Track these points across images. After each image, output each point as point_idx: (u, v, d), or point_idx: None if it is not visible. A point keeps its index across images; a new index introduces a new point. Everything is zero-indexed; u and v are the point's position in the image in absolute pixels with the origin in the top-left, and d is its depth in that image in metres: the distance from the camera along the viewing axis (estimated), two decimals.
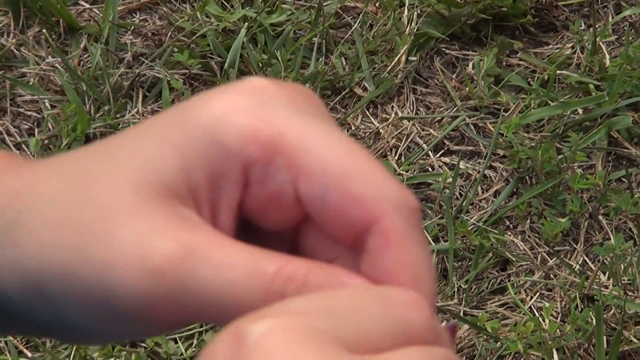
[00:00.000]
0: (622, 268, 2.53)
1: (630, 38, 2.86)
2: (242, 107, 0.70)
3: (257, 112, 0.70)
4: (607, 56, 2.83)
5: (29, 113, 2.84)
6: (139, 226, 0.70)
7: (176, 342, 2.50)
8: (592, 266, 2.58)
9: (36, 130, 2.79)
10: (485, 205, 2.68)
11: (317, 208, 0.70)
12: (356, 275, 0.69)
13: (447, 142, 2.77)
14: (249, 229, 0.73)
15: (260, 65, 2.81)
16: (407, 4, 2.93)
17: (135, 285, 0.69)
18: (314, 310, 0.63)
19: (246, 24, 2.92)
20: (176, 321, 0.71)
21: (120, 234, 0.69)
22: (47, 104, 2.84)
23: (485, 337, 2.41)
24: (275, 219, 0.72)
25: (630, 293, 2.50)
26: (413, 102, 2.84)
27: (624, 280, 2.53)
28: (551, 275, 2.58)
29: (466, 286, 2.54)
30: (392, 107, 2.83)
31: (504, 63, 2.87)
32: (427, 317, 0.66)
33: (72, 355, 2.45)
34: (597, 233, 2.64)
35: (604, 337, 2.42)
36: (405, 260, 0.69)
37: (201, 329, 2.49)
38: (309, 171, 0.69)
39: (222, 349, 0.61)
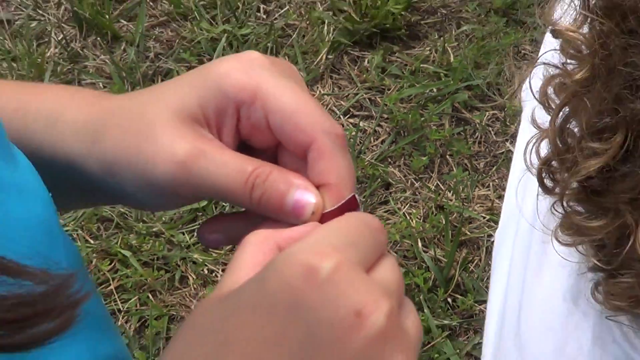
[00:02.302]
0: (461, 188, 2.56)
1: (466, 44, 2.86)
2: (237, 69, 0.72)
3: (246, 72, 0.71)
4: (452, 55, 2.82)
5: None
6: (172, 136, 0.71)
7: (183, 234, 2.48)
8: (442, 187, 2.59)
9: None
10: (376, 149, 2.66)
11: (279, 134, 0.71)
12: (301, 176, 0.70)
13: (352, 110, 2.75)
14: (249, 150, 0.74)
15: None
16: (326, 22, 2.89)
17: (167, 172, 0.71)
18: (347, 247, 0.63)
19: (225, 34, 2.88)
20: (192, 197, 0.72)
21: (160, 140, 0.71)
22: (100, 85, 2.79)
23: None
24: (260, 140, 0.73)
25: (465, 204, 2.54)
26: (331, 84, 2.81)
27: (462, 196, 2.56)
28: (417, 193, 2.58)
29: (365, 200, 2.54)
30: (317, 87, 2.80)
31: (387, 60, 2.85)
32: (386, 236, 0.67)
33: (119, 242, 2.48)
34: (445, 166, 2.63)
35: (450, 231, 2.46)
36: (331, 166, 0.70)
37: (199, 225, 2.47)
38: (273, 111, 0.71)
39: (297, 275, 0.60)
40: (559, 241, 0.86)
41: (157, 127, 0.72)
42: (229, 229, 0.75)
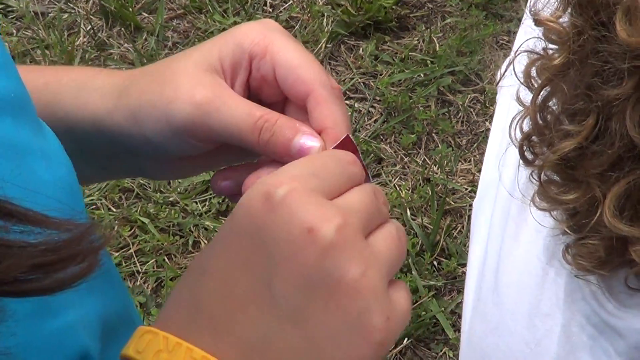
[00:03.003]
0: (445, 163, 2.54)
1: (450, 35, 2.84)
2: (255, 29, 0.73)
3: (261, 32, 0.73)
4: (437, 45, 2.81)
5: None
6: (192, 82, 0.72)
7: (196, 203, 2.47)
8: (429, 162, 2.57)
9: None
10: (369, 128, 2.65)
11: (282, 84, 0.73)
12: (305, 124, 0.71)
13: (348, 93, 2.72)
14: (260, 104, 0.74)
15: None
16: (325, 15, 2.88)
17: (185, 112, 0.72)
18: (306, 176, 0.62)
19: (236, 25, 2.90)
20: (206, 139, 0.73)
21: (182, 85, 0.72)
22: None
23: None
24: (268, 94, 0.75)
25: (450, 177, 2.53)
26: (329, 70, 2.79)
27: (446, 169, 2.54)
28: (406, 167, 2.57)
29: None
30: None
31: (380, 48, 2.82)
32: (360, 168, 0.67)
33: (138, 210, 2.46)
34: (431, 143, 2.62)
35: (435, 201, 2.45)
36: (327, 112, 0.71)
37: (210, 195, 2.49)
38: (280, 64, 0.72)
39: (257, 203, 0.61)
40: (536, 206, 0.82)
41: (179, 75, 0.73)
42: (240, 177, 0.74)
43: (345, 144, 0.70)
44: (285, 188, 0.61)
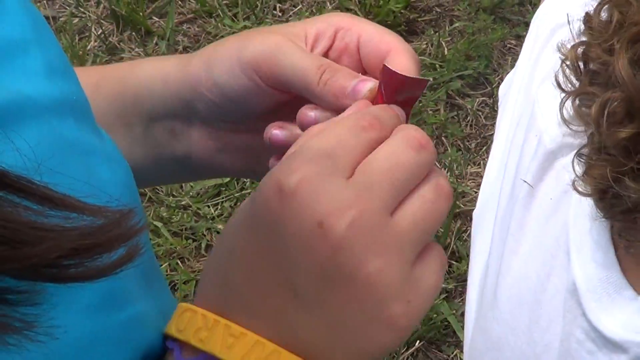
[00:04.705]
0: (455, 166, 2.55)
1: (458, 39, 2.83)
2: (342, 14, 0.76)
3: (349, 16, 0.76)
4: (446, 49, 2.80)
5: None
6: (268, 32, 0.76)
7: (209, 207, 2.47)
8: (439, 165, 2.55)
9: None
10: None
11: (365, 48, 0.74)
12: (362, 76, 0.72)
13: None
14: None
15: None
16: None
17: (256, 49, 0.74)
18: (319, 158, 0.60)
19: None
20: (270, 77, 0.75)
21: (258, 33, 0.76)
22: None
23: None
24: (346, 66, 0.75)
25: (459, 180, 2.52)
26: None
27: (456, 172, 2.54)
28: None
29: None
30: None
31: None
32: (378, 130, 0.64)
33: (151, 214, 2.48)
34: (441, 147, 2.61)
35: None
36: (401, 61, 0.72)
37: (223, 198, 2.49)
38: (366, 31, 0.74)
39: (270, 194, 0.59)
40: (578, 191, 0.78)
41: (259, 30, 0.77)
42: (295, 129, 0.75)
43: (390, 78, 0.69)
44: (296, 177, 0.59)
